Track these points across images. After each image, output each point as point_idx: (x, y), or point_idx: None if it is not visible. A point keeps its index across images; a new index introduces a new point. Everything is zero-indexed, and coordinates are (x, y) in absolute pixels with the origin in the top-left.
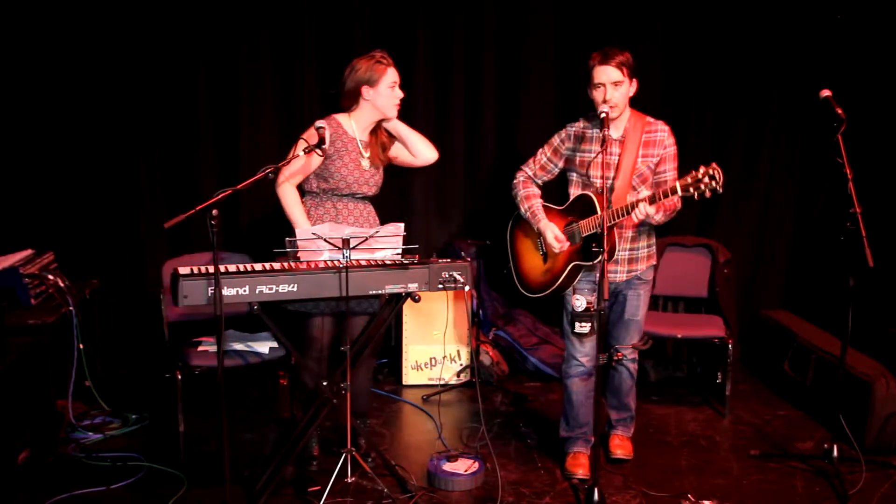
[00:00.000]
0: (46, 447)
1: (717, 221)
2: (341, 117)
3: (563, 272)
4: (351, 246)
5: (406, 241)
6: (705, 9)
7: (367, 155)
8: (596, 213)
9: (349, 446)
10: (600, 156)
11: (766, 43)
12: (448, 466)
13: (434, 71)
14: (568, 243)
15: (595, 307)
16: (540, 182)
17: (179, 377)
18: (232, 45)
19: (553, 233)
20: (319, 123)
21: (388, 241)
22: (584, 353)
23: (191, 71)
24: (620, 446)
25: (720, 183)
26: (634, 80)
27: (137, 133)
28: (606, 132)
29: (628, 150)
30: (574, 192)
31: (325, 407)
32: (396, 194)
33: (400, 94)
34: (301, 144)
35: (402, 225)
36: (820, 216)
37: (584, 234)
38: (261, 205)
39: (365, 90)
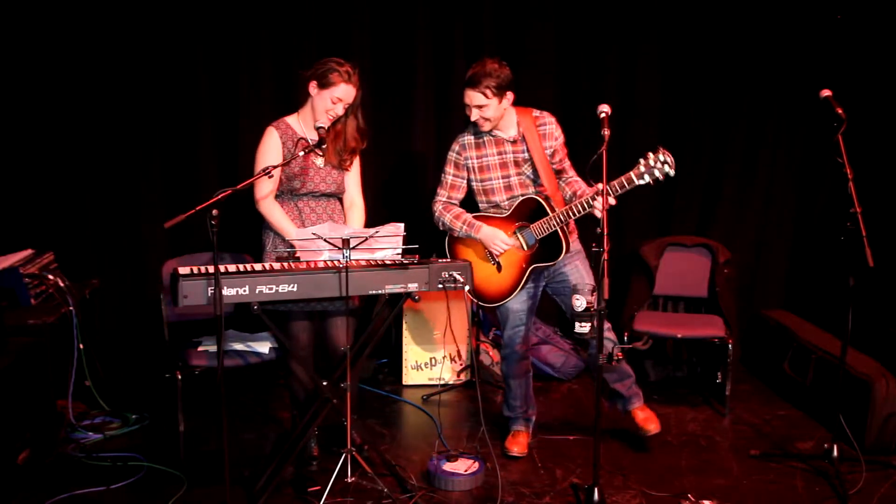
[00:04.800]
0: (46, 447)
1: (717, 221)
2: (290, 119)
3: (523, 277)
4: (351, 246)
5: (406, 241)
6: (704, 9)
7: (321, 153)
8: (547, 214)
9: (349, 446)
10: (602, 157)
11: (765, 43)
12: (448, 466)
13: (434, 71)
14: (513, 243)
15: (595, 307)
16: (456, 202)
17: (179, 377)
18: (232, 44)
19: (498, 236)
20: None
21: (388, 241)
22: (519, 342)
23: (191, 71)
24: (649, 420)
25: (672, 165)
26: (508, 93)
27: (137, 133)
28: (606, 132)
29: (533, 144)
30: (481, 199)
31: (324, 407)
32: (397, 194)
33: (338, 112)
34: (301, 145)
35: (401, 225)
36: (820, 216)
37: (540, 237)
38: None
39: (312, 86)
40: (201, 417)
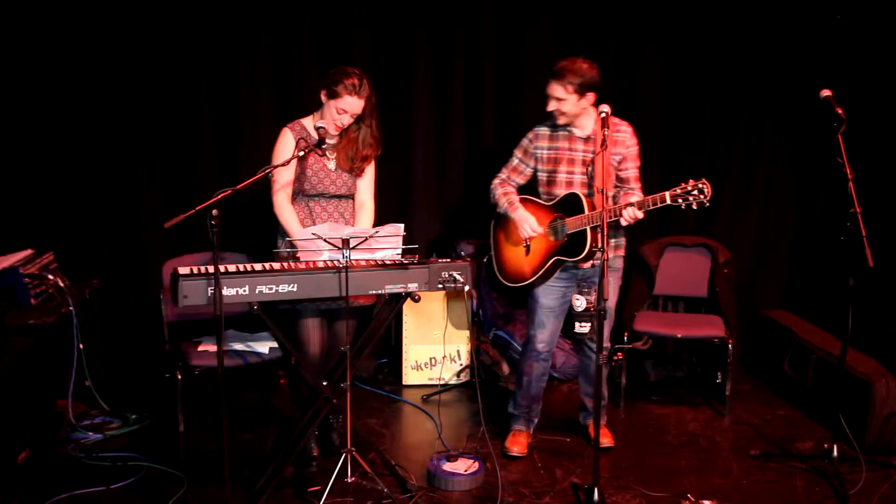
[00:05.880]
0: (46, 447)
1: (717, 221)
2: (306, 120)
3: (545, 265)
4: (351, 246)
5: (406, 241)
6: (704, 9)
7: (332, 157)
8: (583, 212)
9: (349, 446)
10: (602, 150)
11: (766, 42)
12: (448, 466)
13: (434, 71)
14: (542, 231)
15: (595, 307)
16: (513, 185)
17: (179, 377)
18: (232, 44)
19: (528, 221)
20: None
21: (388, 241)
22: (542, 341)
23: (191, 71)
24: (604, 434)
25: (707, 197)
26: (589, 94)
27: (137, 133)
28: (606, 132)
29: (599, 148)
30: (543, 190)
31: (325, 407)
32: (396, 194)
33: (344, 122)
34: (300, 144)
35: (401, 225)
36: (820, 216)
37: (570, 232)
38: (260, 205)
39: (323, 94)
40: (201, 417)
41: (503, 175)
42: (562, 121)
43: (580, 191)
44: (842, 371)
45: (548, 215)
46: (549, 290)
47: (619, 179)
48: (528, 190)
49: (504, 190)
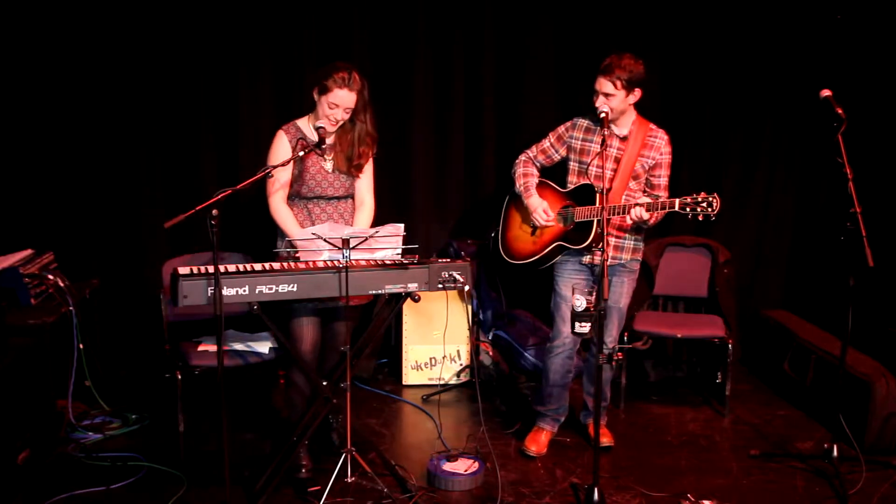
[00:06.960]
0: (46, 447)
1: (717, 221)
2: (301, 122)
3: (547, 248)
4: (351, 246)
5: (406, 241)
6: (704, 8)
7: (329, 158)
8: (594, 203)
9: (349, 446)
10: (602, 150)
11: (765, 42)
12: (448, 466)
13: (434, 72)
14: (553, 218)
15: (595, 307)
16: (538, 165)
17: (179, 377)
18: (232, 45)
19: (542, 207)
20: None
21: (388, 241)
22: (568, 335)
23: (191, 71)
24: (604, 434)
25: (715, 212)
26: (636, 90)
27: (138, 133)
28: (606, 131)
29: (630, 149)
30: (572, 179)
31: (324, 407)
32: (396, 194)
33: (338, 117)
34: (300, 144)
35: (401, 225)
36: (820, 216)
37: (577, 220)
38: (260, 204)
39: (315, 91)
40: (201, 417)
41: (531, 153)
42: (610, 116)
43: (604, 187)
44: (842, 371)
45: (561, 201)
46: (572, 284)
47: (650, 185)
48: (554, 174)
49: (524, 171)
